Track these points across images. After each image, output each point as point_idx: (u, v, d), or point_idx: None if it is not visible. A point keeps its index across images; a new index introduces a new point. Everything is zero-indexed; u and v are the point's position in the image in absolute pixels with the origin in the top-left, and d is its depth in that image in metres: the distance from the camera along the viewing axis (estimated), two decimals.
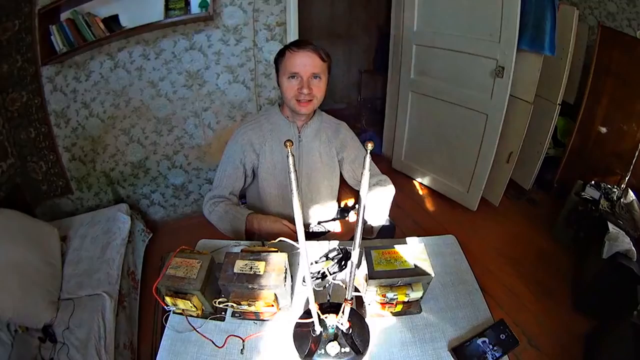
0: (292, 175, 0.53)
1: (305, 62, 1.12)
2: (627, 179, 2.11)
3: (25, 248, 1.52)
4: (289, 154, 0.52)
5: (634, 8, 2.19)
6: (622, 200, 2.05)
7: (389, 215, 1.33)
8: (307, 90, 1.14)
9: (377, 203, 1.29)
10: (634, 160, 2.09)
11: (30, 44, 1.79)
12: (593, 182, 2.19)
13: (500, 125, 2.23)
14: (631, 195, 2.06)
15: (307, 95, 1.15)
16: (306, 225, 1.38)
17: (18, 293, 1.37)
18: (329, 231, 1.41)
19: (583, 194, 2.17)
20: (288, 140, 0.54)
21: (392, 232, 1.34)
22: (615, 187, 2.14)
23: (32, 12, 1.74)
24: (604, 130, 2.32)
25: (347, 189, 1.48)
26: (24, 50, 1.80)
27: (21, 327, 1.39)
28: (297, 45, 1.13)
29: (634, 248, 1.73)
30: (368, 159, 0.52)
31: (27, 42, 1.79)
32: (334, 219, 1.46)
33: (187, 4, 1.91)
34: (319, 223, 1.42)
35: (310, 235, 1.36)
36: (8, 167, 1.89)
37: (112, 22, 1.86)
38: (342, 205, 1.57)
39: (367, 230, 1.30)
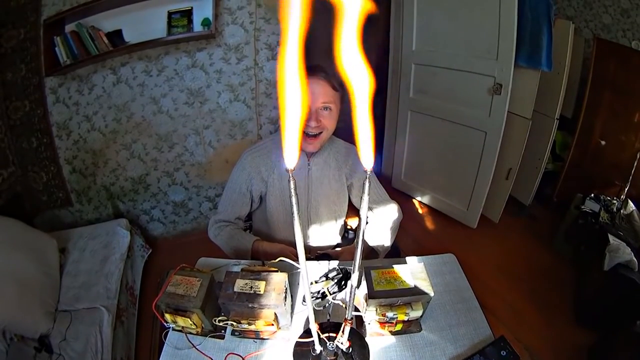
0: (294, 199, 0.54)
1: (315, 91, 1.04)
2: (626, 189, 2.10)
3: (23, 257, 1.51)
4: (290, 178, 0.52)
5: (628, 19, 2.20)
6: (622, 211, 2.05)
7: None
8: (314, 123, 1.05)
9: (381, 229, 1.27)
10: (632, 171, 2.09)
11: (35, 54, 1.81)
12: (592, 194, 2.18)
13: (499, 143, 2.23)
14: (631, 205, 2.06)
15: (314, 128, 1.06)
16: (312, 251, 1.33)
17: (14, 301, 1.36)
18: (336, 258, 1.36)
19: (583, 207, 2.16)
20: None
21: (397, 255, 1.33)
22: (615, 198, 2.13)
23: (38, 22, 1.75)
24: (603, 143, 2.33)
25: (353, 213, 1.46)
26: (28, 59, 1.81)
27: (17, 335, 1.37)
28: (307, 70, 1.04)
29: (635, 258, 1.73)
30: (367, 183, 0.53)
31: (31, 52, 1.80)
32: (338, 245, 1.41)
33: (190, 21, 1.93)
34: (322, 252, 1.36)
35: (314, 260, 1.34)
36: (9, 175, 1.88)
37: (115, 36, 1.88)
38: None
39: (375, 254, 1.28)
